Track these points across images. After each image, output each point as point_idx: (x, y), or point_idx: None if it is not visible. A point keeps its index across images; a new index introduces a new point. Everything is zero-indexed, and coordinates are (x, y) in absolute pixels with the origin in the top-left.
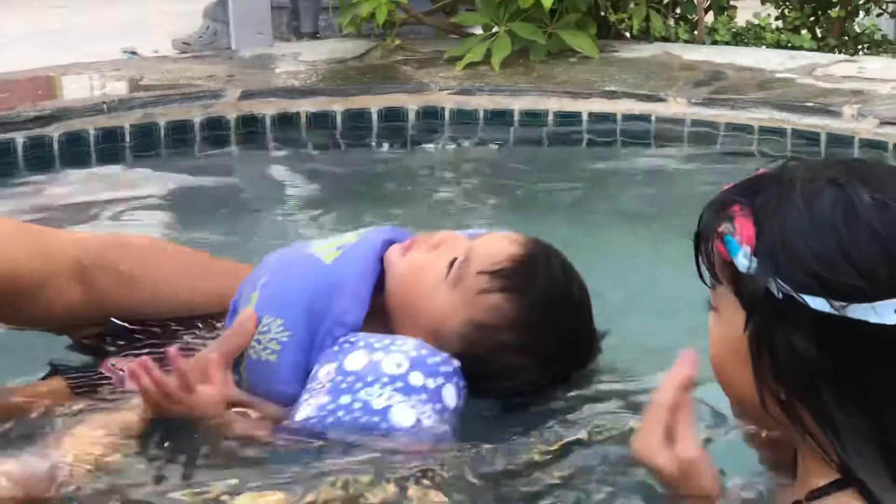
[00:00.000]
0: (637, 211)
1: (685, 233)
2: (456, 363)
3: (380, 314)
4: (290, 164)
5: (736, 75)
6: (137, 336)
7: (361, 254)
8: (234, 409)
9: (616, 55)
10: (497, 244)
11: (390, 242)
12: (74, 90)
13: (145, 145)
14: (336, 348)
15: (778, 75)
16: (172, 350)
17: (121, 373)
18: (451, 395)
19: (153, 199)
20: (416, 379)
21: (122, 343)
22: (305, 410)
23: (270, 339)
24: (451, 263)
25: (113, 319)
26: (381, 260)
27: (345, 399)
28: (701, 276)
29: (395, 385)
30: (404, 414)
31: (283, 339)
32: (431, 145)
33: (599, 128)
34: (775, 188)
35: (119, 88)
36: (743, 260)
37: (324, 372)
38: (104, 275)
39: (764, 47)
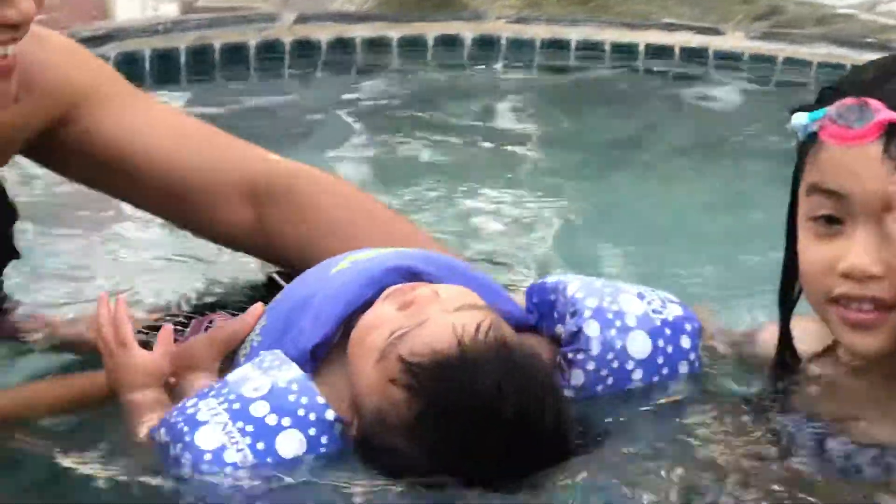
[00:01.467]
0: (691, 144)
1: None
2: (329, 417)
3: None
4: (344, 89)
5: (795, 10)
6: None
7: (353, 276)
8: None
9: None
10: (441, 330)
11: (409, 273)
12: (128, 10)
13: (200, 68)
14: None
15: (838, 11)
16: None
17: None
18: (288, 443)
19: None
20: (259, 409)
21: None
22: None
23: (250, 338)
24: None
25: (272, 275)
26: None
27: (189, 402)
28: None
29: (233, 406)
30: (211, 436)
31: (255, 342)
32: (486, 74)
33: (656, 59)
34: None
35: (173, 10)
36: None
37: None
38: (277, 204)
39: None
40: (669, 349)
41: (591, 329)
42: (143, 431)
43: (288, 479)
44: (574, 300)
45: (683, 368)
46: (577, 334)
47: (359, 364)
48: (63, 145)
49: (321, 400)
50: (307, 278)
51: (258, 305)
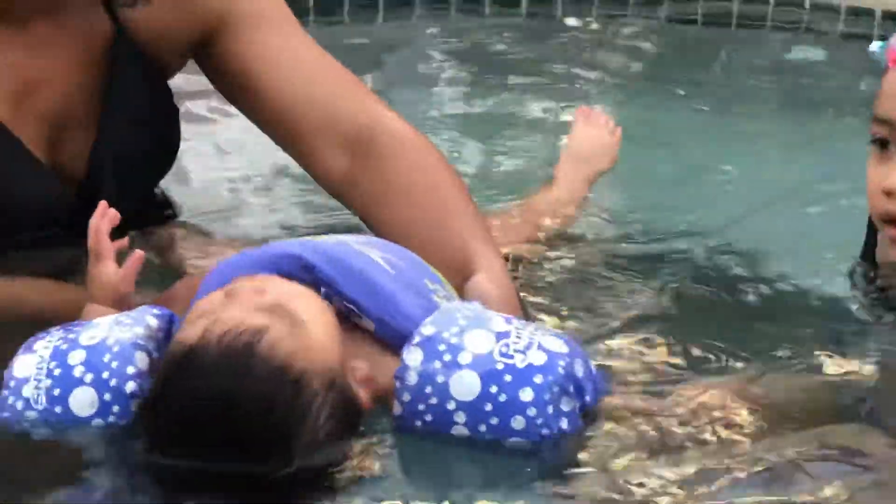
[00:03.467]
0: (753, 94)
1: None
2: (127, 389)
3: None
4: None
5: None
6: None
7: (247, 257)
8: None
9: None
10: (204, 326)
11: (302, 265)
12: None
13: None
14: None
15: None
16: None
17: None
18: (80, 399)
19: None
20: (75, 358)
21: None
22: None
23: None
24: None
25: None
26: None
27: (54, 329)
28: None
29: (62, 346)
30: (26, 365)
31: None
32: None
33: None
34: None
35: None
36: None
37: None
38: (368, 161)
39: None
40: (502, 398)
41: (412, 358)
42: None
43: (69, 433)
44: (420, 326)
45: (518, 424)
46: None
47: None
48: (210, 59)
49: (131, 370)
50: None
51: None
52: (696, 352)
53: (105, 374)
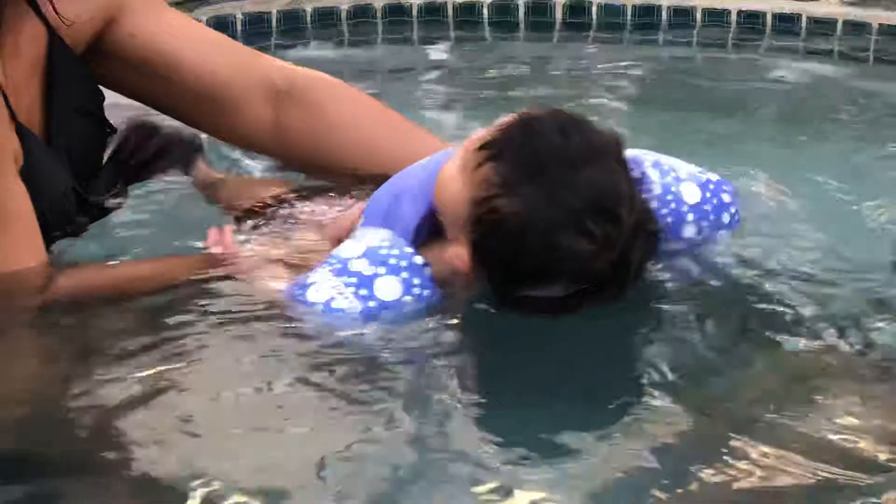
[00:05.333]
0: (782, 118)
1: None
2: (418, 261)
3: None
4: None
5: None
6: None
7: (434, 163)
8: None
9: None
10: (498, 121)
11: None
12: None
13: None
14: None
15: None
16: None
17: None
18: (386, 286)
19: None
20: (357, 265)
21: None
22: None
23: (355, 228)
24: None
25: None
26: None
27: (302, 276)
28: None
29: (334, 266)
30: (321, 291)
31: (357, 230)
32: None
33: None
34: None
35: None
36: None
37: None
38: (295, 104)
39: None
40: (715, 201)
41: (653, 174)
42: (271, 299)
43: (391, 318)
44: (638, 159)
45: (726, 219)
46: (640, 180)
47: (445, 197)
48: (113, 49)
49: (409, 249)
50: (406, 171)
51: (360, 203)
52: None
53: (392, 261)
